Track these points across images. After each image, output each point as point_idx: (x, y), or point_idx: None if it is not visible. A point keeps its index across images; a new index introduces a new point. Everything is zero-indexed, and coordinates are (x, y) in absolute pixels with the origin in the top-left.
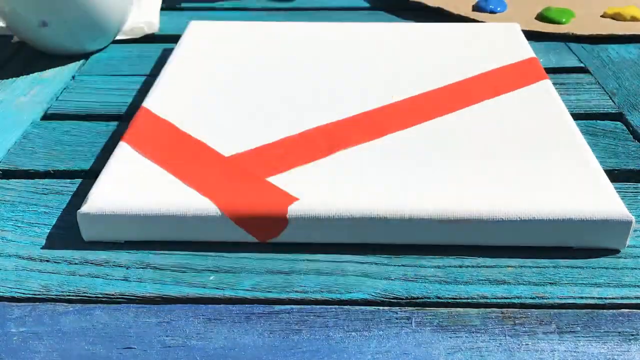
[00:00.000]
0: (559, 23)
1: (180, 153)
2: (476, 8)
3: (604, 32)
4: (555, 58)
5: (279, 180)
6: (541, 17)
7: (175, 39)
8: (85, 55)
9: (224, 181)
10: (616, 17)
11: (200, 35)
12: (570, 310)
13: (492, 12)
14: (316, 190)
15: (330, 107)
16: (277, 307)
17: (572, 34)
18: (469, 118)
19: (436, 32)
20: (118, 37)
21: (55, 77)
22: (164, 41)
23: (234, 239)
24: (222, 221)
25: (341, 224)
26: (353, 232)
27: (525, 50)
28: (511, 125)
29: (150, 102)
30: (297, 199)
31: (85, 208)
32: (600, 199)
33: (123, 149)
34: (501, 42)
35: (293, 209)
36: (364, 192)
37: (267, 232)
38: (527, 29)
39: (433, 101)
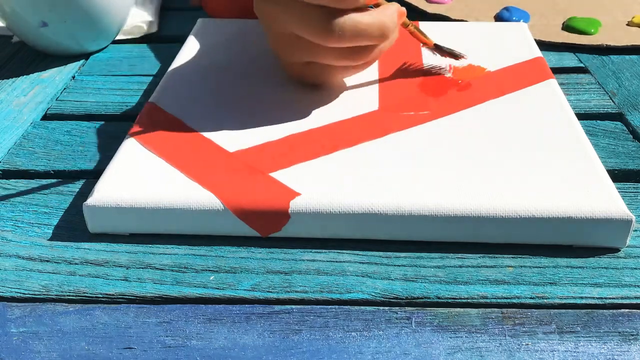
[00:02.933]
0: (587, 33)
1: (185, 147)
2: (498, 19)
3: (638, 42)
4: (555, 58)
5: (282, 175)
6: (568, 28)
7: (175, 38)
8: (85, 55)
9: (227, 175)
10: None
11: (208, 32)
12: (570, 310)
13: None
14: (318, 186)
15: (334, 105)
16: (277, 307)
17: (606, 45)
18: (472, 117)
19: (443, 32)
20: (118, 37)
21: (55, 77)
22: (164, 41)
23: (237, 233)
24: (225, 215)
25: (342, 219)
26: (354, 228)
27: (531, 50)
28: (514, 124)
29: (157, 98)
30: (299, 194)
31: (91, 200)
32: (601, 198)
33: (129, 143)
34: (508, 41)
35: (295, 204)
36: (366, 187)
37: (269, 226)
38: (557, 40)
39: (437, 100)
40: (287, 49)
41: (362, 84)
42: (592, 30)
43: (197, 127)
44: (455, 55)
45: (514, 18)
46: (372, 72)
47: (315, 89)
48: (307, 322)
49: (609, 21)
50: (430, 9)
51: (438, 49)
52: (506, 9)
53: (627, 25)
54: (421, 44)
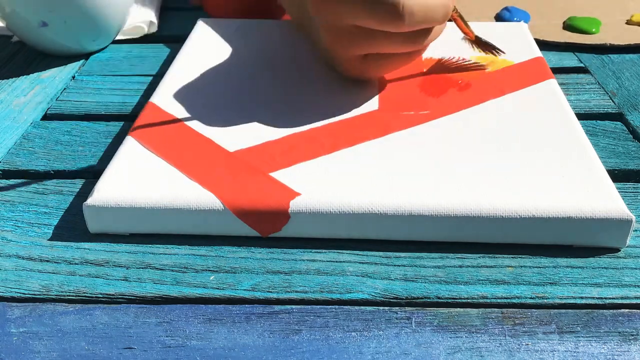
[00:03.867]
0: (588, 33)
1: (185, 147)
2: (499, 19)
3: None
4: (555, 58)
5: (282, 175)
6: (569, 27)
7: (175, 38)
8: (85, 55)
9: (227, 175)
10: None
11: (208, 32)
12: (570, 310)
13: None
14: (318, 186)
15: (334, 105)
16: (277, 307)
17: (610, 44)
18: (472, 117)
19: (443, 31)
20: (118, 37)
21: (55, 77)
22: (164, 41)
23: (236, 233)
24: (225, 215)
25: (342, 219)
26: (354, 228)
27: (532, 50)
28: (514, 123)
29: (157, 98)
30: (299, 194)
31: (91, 200)
32: (601, 198)
33: (129, 143)
34: (508, 41)
35: (295, 204)
36: (366, 187)
37: (269, 226)
38: (560, 40)
39: (437, 100)
40: (345, 42)
41: (362, 83)
42: (594, 30)
43: (197, 127)
44: (496, 50)
45: (515, 18)
46: None
47: (315, 87)
48: (307, 322)
49: (609, 20)
50: None
51: (479, 42)
52: (506, 9)
53: (627, 23)
54: (462, 36)
